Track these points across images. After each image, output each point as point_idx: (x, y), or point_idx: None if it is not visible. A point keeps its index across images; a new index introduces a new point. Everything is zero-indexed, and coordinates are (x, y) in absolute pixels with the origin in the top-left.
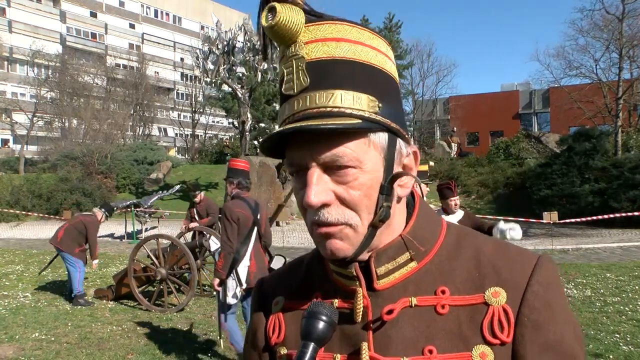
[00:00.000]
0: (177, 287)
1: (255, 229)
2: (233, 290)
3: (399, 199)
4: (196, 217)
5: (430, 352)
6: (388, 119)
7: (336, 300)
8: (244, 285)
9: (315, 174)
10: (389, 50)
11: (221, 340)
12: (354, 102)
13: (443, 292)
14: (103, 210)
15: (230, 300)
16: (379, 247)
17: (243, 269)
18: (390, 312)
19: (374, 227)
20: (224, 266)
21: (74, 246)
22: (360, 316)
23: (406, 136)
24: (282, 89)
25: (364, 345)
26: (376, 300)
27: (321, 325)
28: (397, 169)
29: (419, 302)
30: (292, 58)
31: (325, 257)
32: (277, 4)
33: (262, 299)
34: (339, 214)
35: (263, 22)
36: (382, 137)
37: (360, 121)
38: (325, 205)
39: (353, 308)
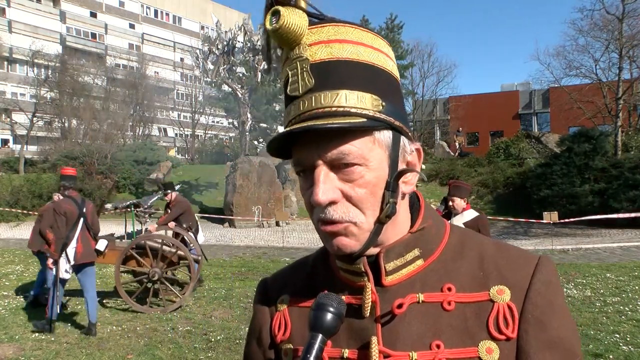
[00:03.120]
0: (171, 284)
1: (82, 219)
2: (64, 267)
3: (403, 196)
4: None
5: (438, 346)
6: (391, 117)
7: (343, 297)
8: (72, 262)
9: (322, 172)
10: (390, 50)
11: (56, 309)
12: (358, 101)
13: (449, 289)
14: (61, 191)
15: (64, 275)
16: (386, 243)
17: (71, 250)
18: (400, 306)
19: (380, 222)
20: (55, 250)
21: (41, 243)
22: (369, 311)
23: (409, 134)
24: (287, 91)
25: (374, 339)
26: (384, 295)
27: (329, 316)
28: (401, 166)
29: (426, 298)
30: (296, 60)
31: (333, 253)
32: (281, 8)
33: (266, 297)
34: (343, 212)
35: (267, 25)
36: (386, 135)
37: (365, 120)
38: (332, 203)
39: (361, 303)
